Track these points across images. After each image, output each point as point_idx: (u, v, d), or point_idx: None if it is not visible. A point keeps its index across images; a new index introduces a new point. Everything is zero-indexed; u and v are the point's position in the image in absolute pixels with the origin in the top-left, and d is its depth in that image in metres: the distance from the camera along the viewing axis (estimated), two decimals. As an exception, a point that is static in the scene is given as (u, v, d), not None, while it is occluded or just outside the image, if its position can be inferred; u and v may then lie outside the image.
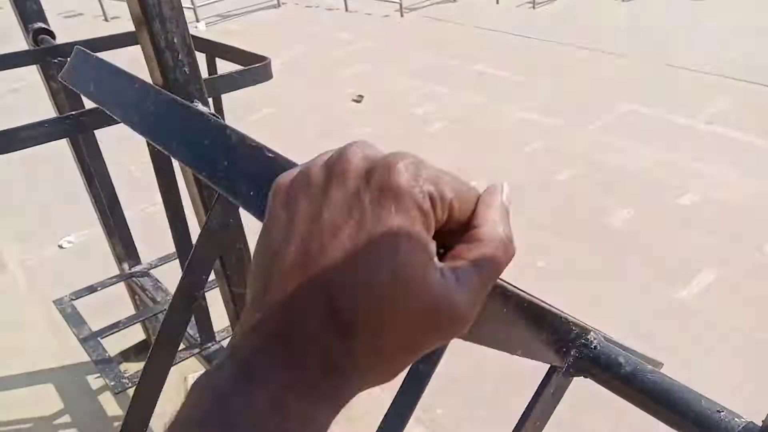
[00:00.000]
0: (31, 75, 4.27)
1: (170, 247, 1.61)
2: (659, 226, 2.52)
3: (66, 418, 1.78)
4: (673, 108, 3.64)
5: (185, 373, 1.88)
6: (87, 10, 6.95)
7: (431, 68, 4.79)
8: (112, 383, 1.24)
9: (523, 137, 3.39)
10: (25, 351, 2.04)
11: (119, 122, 1.06)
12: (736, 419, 0.36)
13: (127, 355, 1.91)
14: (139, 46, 0.93)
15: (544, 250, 2.35)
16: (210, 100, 1.07)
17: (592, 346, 0.43)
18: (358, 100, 4.24)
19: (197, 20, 6.46)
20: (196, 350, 1.31)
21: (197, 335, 1.33)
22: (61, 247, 2.54)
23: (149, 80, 0.92)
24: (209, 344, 1.32)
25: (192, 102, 0.94)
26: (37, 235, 2.66)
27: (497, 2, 7.95)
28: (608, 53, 5.23)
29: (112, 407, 1.80)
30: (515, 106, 3.81)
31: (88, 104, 1.09)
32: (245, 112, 3.33)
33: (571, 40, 5.75)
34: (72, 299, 1.49)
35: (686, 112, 3.56)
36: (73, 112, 1.03)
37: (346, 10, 7.57)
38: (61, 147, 3.16)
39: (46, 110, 3.68)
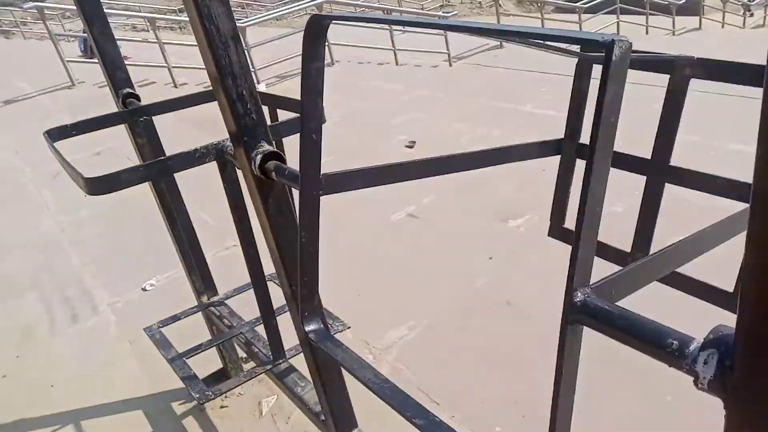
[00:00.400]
0: (110, 140, 4.73)
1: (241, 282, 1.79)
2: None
3: (153, 441, 1.95)
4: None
5: (260, 397, 2.03)
6: (158, 79, 7.58)
7: (482, 111, 4.95)
8: (197, 395, 1.39)
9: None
10: (115, 382, 2.25)
11: (194, 166, 1.25)
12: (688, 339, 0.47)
13: (207, 381, 2.07)
14: (201, 106, 1.12)
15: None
16: (274, 143, 1.25)
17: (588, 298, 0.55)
18: (411, 145, 4.43)
19: (258, 82, 6.93)
20: (269, 366, 1.45)
21: (269, 354, 1.48)
22: (144, 290, 2.79)
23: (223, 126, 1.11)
24: (280, 361, 1.46)
25: (259, 142, 1.11)
26: (122, 281, 2.92)
27: (544, 45, 8.07)
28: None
29: (193, 427, 1.96)
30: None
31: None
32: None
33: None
34: (159, 327, 1.68)
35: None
36: (160, 158, 1.23)
37: (397, 63, 7.92)
38: (139, 207, 3.52)
39: (126, 165, 4.07)
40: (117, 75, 1.59)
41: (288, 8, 12.65)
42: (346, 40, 8.06)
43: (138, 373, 2.27)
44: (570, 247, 0.53)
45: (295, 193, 0.96)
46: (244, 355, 2.01)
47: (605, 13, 11.35)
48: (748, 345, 0.40)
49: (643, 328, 0.50)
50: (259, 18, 10.94)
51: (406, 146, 4.43)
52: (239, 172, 1.16)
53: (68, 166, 1.14)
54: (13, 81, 9.06)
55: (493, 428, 1.82)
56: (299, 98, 1.28)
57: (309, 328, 1.13)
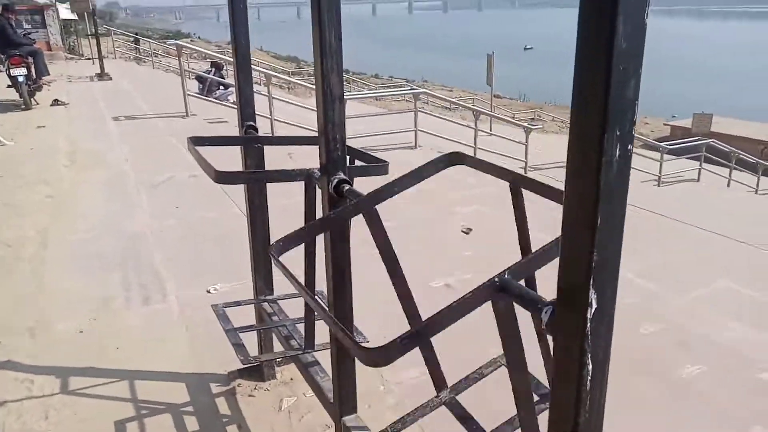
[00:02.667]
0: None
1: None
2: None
3: (189, 408, 2.32)
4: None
5: (282, 396, 2.38)
6: (230, 118, 8.44)
7: (544, 219, 5.28)
8: (242, 358, 1.77)
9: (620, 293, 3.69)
10: (168, 357, 2.66)
11: (289, 181, 1.69)
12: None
13: (242, 374, 2.45)
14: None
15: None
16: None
17: (506, 278, 0.92)
18: (467, 231, 4.81)
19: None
20: (300, 351, 1.82)
21: (302, 346, 1.86)
22: (208, 291, 3.24)
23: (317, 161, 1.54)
24: (309, 350, 1.83)
25: (338, 172, 1.53)
26: (192, 281, 3.40)
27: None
28: (713, 233, 5.46)
29: (223, 407, 2.32)
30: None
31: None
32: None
33: (683, 217, 6.04)
34: (223, 307, 2.09)
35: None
36: (269, 170, 1.67)
37: (475, 159, 8.44)
38: (217, 227, 4.06)
39: (215, 190, 4.76)
40: (246, 110, 2.10)
41: (387, 92, 13.66)
42: (433, 129, 8.70)
43: (187, 354, 2.68)
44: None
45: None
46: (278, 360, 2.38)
47: (689, 158, 11.59)
48: (561, 304, 0.76)
49: (531, 297, 0.86)
50: (360, 95, 11.91)
51: (463, 231, 4.82)
52: (318, 193, 1.59)
53: (203, 161, 1.60)
54: (137, 102, 10.26)
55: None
56: (386, 179, 1.71)
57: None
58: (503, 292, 0.91)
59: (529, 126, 9.45)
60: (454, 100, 13.16)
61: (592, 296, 0.71)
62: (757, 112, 26.12)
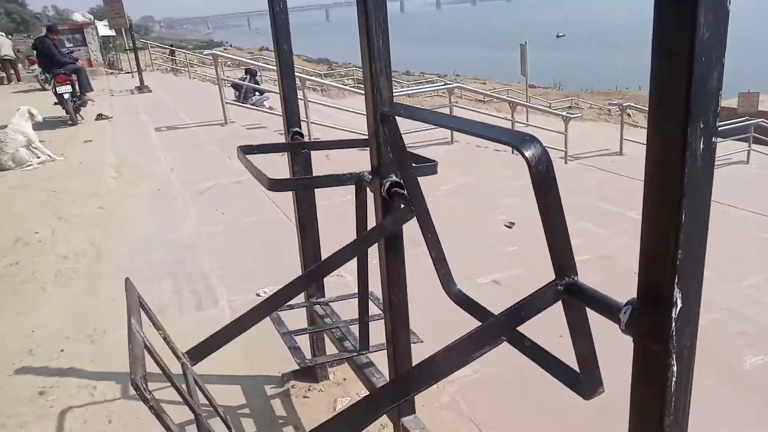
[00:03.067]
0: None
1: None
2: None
3: (245, 410, 2.35)
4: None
5: (336, 397, 2.39)
6: (267, 124, 8.52)
7: (585, 209, 5.18)
8: (298, 360, 1.79)
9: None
10: (222, 361, 2.70)
11: (339, 185, 1.70)
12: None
13: (296, 375, 2.48)
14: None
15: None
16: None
17: (576, 280, 0.90)
18: (510, 226, 4.75)
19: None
20: (355, 353, 1.83)
21: (357, 348, 1.86)
22: (258, 295, 3.29)
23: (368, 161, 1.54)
24: (365, 352, 1.83)
25: (389, 175, 1.52)
26: (241, 286, 3.45)
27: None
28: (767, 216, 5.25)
29: (279, 408, 2.35)
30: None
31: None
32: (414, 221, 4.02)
33: (734, 201, 5.83)
34: (277, 311, 2.12)
35: None
36: (318, 175, 1.68)
37: (513, 152, 8.34)
38: (262, 233, 4.10)
39: (259, 195, 4.83)
40: (291, 117, 2.12)
41: (421, 88, 13.61)
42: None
43: (241, 357, 2.72)
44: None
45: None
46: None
47: (737, 140, 11.20)
48: (642, 305, 0.74)
49: (604, 299, 0.84)
50: (395, 93, 11.88)
51: (506, 225, 4.76)
52: (369, 197, 1.59)
53: (255, 169, 1.62)
54: (177, 112, 10.49)
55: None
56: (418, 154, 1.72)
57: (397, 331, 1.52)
58: (570, 294, 0.89)
59: (568, 115, 9.27)
60: (488, 92, 13.02)
61: (677, 295, 0.69)
62: (806, 87, 25.01)
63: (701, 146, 0.63)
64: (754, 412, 2.37)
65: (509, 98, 9.90)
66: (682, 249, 0.67)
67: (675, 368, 0.72)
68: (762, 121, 10.64)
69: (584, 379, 0.91)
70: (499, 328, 0.92)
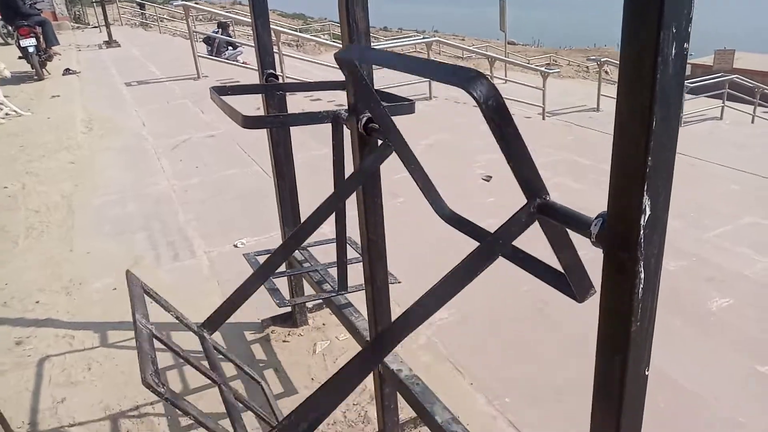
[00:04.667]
0: (223, 125, 5.42)
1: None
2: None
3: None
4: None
5: (316, 340, 2.43)
6: (241, 78, 8.36)
7: (562, 164, 5.22)
8: (277, 301, 1.80)
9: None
10: (201, 309, 2.70)
11: (315, 123, 1.68)
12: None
13: (275, 321, 2.50)
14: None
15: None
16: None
17: (549, 200, 0.91)
18: (487, 179, 4.78)
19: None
20: (334, 294, 1.85)
21: (335, 286, 1.88)
22: (235, 246, 3.28)
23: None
24: (343, 292, 1.85)
25: (365, 111, 1.51)
26: (218, 237, 3.44)
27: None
28: (737, 170, 5.37)
29: (259, 352, 2.38)
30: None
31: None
32: (393, 173, 4.02)
33: (706, 156, 5.94)
34: (255, 255, 2.12)
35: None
36: (294, 113, 1.66)
37: (491, 107, 8.31)
38: (239, 185, 4.08)
39: (234, 149, 4.80)
40: (266, 59, 2.08)
41: (400, 43, 13.41)
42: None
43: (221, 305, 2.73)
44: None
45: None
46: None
47: (712, 96, 11.31)
48: (612, 216, 0.76)
49: (575, 215, 0.86)
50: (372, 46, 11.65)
51: (483, 179, 4.78)
52: (346, 134, 1.57)
53: (228, 108, 1.59)
54: (148, 66, 10.20)
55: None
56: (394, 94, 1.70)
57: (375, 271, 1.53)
58: (544, 213, 0.90)
59: (546, 70, 9.24)
60: (467, 47, 12.89)
61: (647, 202, 0.70)
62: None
63: (673, 52, 0.64)
64: (722, 349, 2.47)
65: (487, 54, 9.80)
66: (652, 155, 0.68)
67: (642, 275, 0.75)
68: (736, 77, 10.74)
69: (575, 286, 0.94)
70: (495, 245, 0.95)
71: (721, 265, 3.23)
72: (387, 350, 1.13)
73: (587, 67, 20.18)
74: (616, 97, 0.71)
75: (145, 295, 1.66)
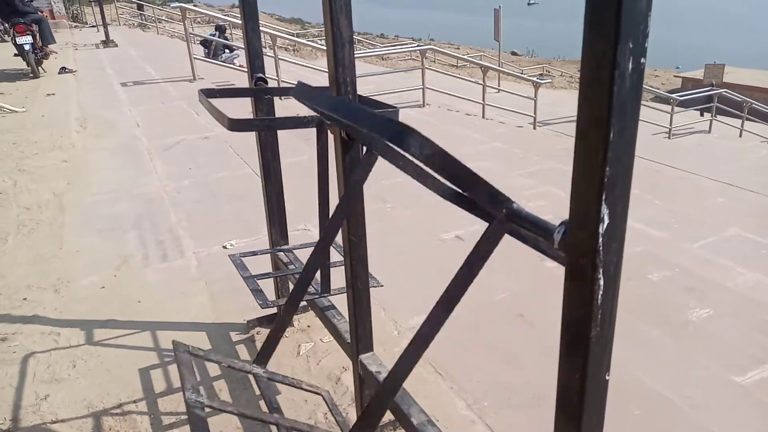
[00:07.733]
0: (217, 128, 5.41)
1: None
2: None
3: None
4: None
5: (300, 342, 2.45)
6: (237, 81, 8.40)
7: (550, 173, 5.27)
8: (261, 302, 1.82)
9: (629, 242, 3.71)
10: (188, 309, 2.73)
11: (300, 127, 1.71)
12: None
13: (261, 322, 2.52)
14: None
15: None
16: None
17: (515, 207, 0.94)
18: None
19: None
20: (317, 296, 1.87)
21: (318, 288, 1.90)
22: (224, 247, 3.30)
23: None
24: (326, 294, 1.88)
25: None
26: (208, 238, 3.45)
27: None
28: (723, 183, 5.44)
29: (243, 353, 2.40)
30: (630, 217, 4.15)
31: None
32: (382, 178, 4.05)
33: (693, 168, 6.01)
34: (240, 256, 2.14)
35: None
36: (280, 117, 1.69)
37: (483, 117, 8.38)
38: (231, 188, 4.10)
39: (228, 151, 4.85)
40: (255, 62, 2.11)
41: (395, 50, 13.47)
42: (440, 87, 8.61)
43: (207, 306, 2.75)
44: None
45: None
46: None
47: (701, 109, 11.42)
48: (573, 223, 0.79)
49: (539, 222, 0.89)
50: (366, 53, 11.73)
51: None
52: (331, 137, 1.60)
53: (215, 111, 1.62)
54: (144, 67, 10.21)
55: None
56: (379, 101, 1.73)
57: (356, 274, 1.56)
58: (510, 221, 0.93)
59: (538, 81, 9.32)
60: (461, 56, 12.97)
61: (605, 211, 0.73)
62: (771, 61, 25.50)
63: (630, 67, 0.67)
64: (699, 359, 2.51)
65: (481, 62, 9.87)
66: (610, 166, 0.71)
67: (602, 282, 0.78)
68: (725, 92, 10.86)
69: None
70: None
71: (703, 277, 3.27)
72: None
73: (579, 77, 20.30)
74: (577, 106, 0.75)
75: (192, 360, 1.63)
